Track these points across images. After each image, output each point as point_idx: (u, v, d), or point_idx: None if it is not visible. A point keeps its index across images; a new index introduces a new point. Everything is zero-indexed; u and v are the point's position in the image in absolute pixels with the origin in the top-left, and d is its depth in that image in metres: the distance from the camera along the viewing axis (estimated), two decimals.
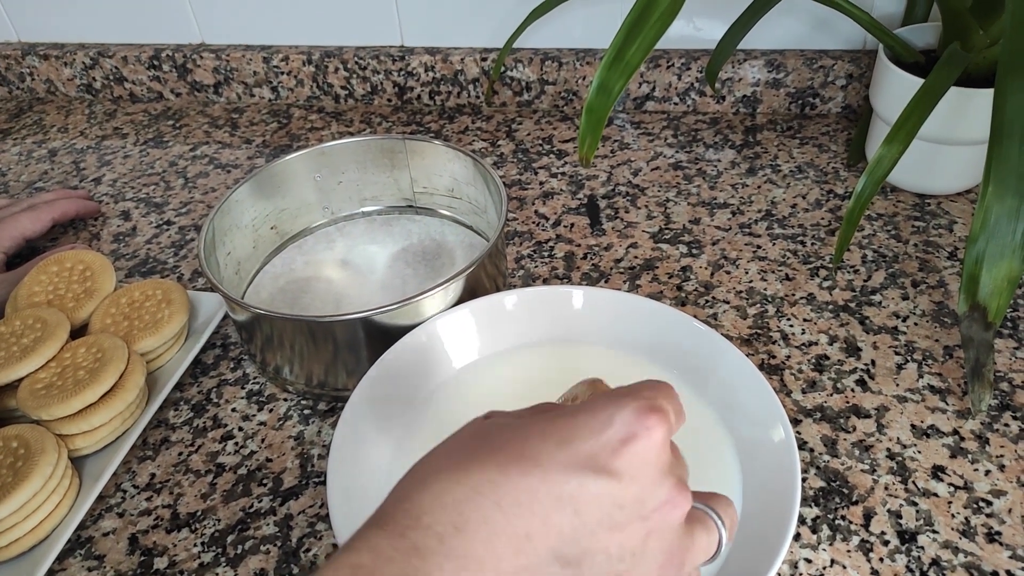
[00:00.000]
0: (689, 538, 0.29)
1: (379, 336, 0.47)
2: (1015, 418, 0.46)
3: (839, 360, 0.50)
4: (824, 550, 0.40)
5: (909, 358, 0.50)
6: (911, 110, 0.47)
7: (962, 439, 0.45)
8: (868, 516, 0.42)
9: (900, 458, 0.44)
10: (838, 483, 0.43)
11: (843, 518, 0.42)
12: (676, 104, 0.76)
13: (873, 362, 0.50)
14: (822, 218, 0.62)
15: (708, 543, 0.30)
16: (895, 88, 0.59)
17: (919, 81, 0.56)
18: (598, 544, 0.26)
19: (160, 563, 0.43)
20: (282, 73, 0.82)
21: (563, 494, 0.26)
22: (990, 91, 0.53)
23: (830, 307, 0.54)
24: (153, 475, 0.47)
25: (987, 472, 0.43)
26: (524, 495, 0.26)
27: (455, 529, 0.25)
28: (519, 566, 0.26)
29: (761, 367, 0.50)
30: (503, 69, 0.77)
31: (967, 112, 0.56)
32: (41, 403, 0.45)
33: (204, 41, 0.84)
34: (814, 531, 0.41)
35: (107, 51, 0.84)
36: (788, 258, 0.58)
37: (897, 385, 0.48)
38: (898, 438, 0.45)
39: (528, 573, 0.26)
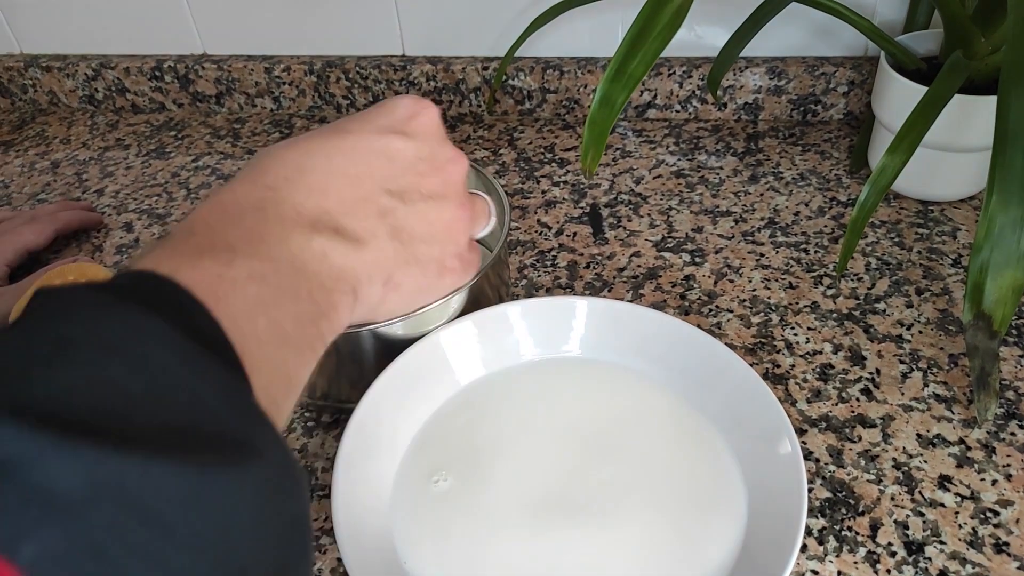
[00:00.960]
0: (473, 199, 0.39)
1: (383, 348, 0.47)
2: (1021, 427, 0.46)
3: (844, 369, 0.50)
4: (831, 561, 0.40)
5: (914, 367, 0.50)
6: (914, 119, 0.47)
7: (968, 448, 0.45)
8: (875, 527, 0.42)
9: (906, 468, 0.44)
10: (844, 493, 0.43)
11: (850, 529, 0.42)
12: (678, 112, 0.76)
13: (878, 371, 0.50)
14: (825, 226, 0.62)
15: (483, 208, 0.41)
16: (897, 95, 0.59)
17: (921, 88, 0.56)
18: (411, 184, 0.35)
19: None
20: (284, 83, 0.82)
21: (376, 148, 0.34)
22: (993, 98, 0.53)
23: (834, 315, 0.54)
24: None
25: (994, 482, 0.43)
26: (347, 149, 0.33)
27: (296, 172, 0.31)
28: (358, 197, 0.32)
29: (765, 376, 0.50)
30: (505, 78, 0.77)
31: (970, 119, 0.55)
32: None
33: (206, 52, 0.84)
34: (820, 542, 0.41)
35: (109, 62, 0.85)
36: (791, 266, 0.58)
37: (902, 394, 0.48)
38: (904, 448, 0.45)
39: (366, 201, 0.33)
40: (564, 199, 0.67)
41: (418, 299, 0.37)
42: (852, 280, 0.56)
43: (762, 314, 0.54)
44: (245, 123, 0.83)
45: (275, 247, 0.28)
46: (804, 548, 0.41)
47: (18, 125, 0.87)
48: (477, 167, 0.56)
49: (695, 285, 0.57)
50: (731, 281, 0.57)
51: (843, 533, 0.41)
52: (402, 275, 0.35)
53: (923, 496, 0.43)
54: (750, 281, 0.57)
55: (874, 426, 0.47)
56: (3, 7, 0.85)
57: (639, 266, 0.59)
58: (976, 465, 0.44)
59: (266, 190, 0.30)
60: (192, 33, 0.83)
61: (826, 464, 0.45)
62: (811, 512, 0.42)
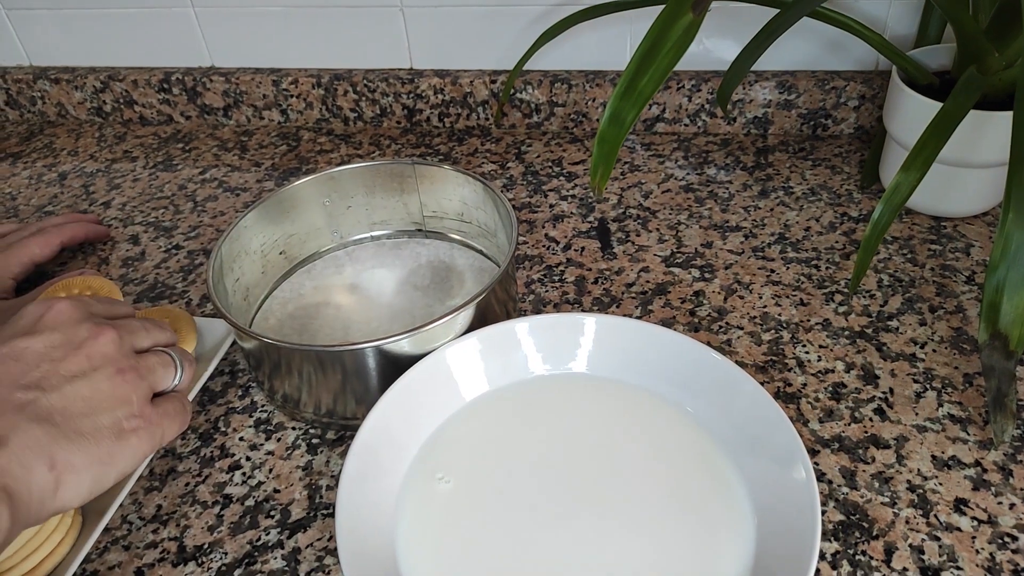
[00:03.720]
0: (139, 358, 0.40)
1: (388, 364, 0.46)
2: None
3: (856, 388, 0.49)
4: None
5: (928, 386, 0.49)
6: (928, 137, 0.47)
7: (985, 471, 0.44)
8: (889, 551, 0.41)
9: (921, 490, 0.43)
10: (857, 516, 0.42)
11: (863, 553, 0.41)
12: (687, 125, 0.76)
13: (891, 390, 0.49)
14: (836, 241, 0.61)
15: (161, 361, 0.42)
16: (909, 110, 0.58)
17: (933, 104, 0.55)
18: (48, 371, 0.36)
19: None
20: (291, 96, 0.82)
21: (2, 355, 0.36)
22: (1007, 114, 0.52)
23: (846, 333, 0.53)
24: (160, 506, 0.47)
25: (1011, 506, 0.42)
26: None
27: None
28: None
29: (777, 395, 0.49)
30: (512, 91, 0.77)
31: (984, 135, 0.55)
32: None
33: (214, 64, 0.84)
34: (834, 567, 0.40)
35: (117, 74, 0.85)
36: (802, 282, 0.57)
37: (916, 414, 0.47)
38: (918, 469, 0.44)
39: (3, 402, 0.34)
40: (572, 213, 0.67)
41: (106, 469, 0.37)
42: (864, 297, 0.56)
43: (773, 331, 0.54)
44: (253, 135, 0.83)
45: None
46: (817, 573, 0.40)
47: (26, 137, 0.87)
48: (484, 181, 0.56)
49: (705, 301, 0.57)
50: (741, 297, 0.57)
51: (857, 558, 0.40)
52: (67, 453, 0.35)
53: (939, 520, 0.42)
54: (760, 298, 0.56)
55: (888, 447, 0.46)
56: (13, 20, 0.85)
57: (648, 281, 0.59)
58: (993, 488, 0.43)
59: None
60: (200, 46, 0.83)
61: (839, 486, 0.44)
62: (824, 536, 0.41)
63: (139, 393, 0.39)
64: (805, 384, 0.50)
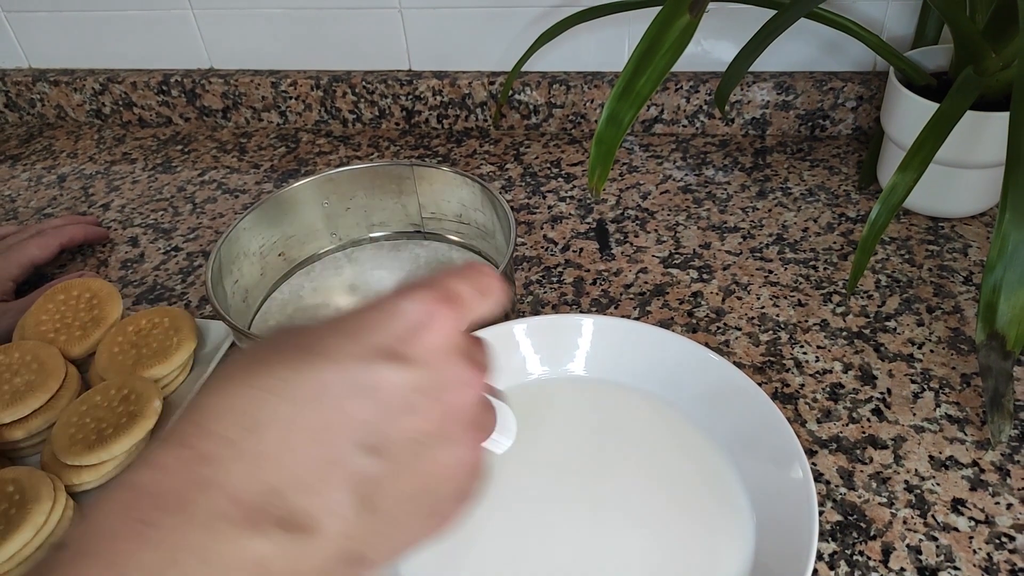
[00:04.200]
0: (484, 414, 0.30)
1: None
2: None
3: (854, 388, 0.49)
4: None
5: (926, 386, 0.49)
6: (925, 137, 0.47)
7: (982, 471, 0.44)
8: (887, 551, 0.41)
9: (919, 491, 0.43)
10: (855, 517, 0.42)
11: (861, 554, 0.41)
12: (685, 126, 0.76)
13: (889, 390, 0.49)
14: (834, 242, 0.61)
15: (487, 420, 0.30)
16: (906, 111, 0.58)
17: (931, 104, 0.56)
18: (400, 429, 0.26)
19: None
20: (290, 98, 0.82)
21: (358, 383, 0.25)
22: (1004, 114, 0.52)
23: (844, 333, 0.53)
24: None
25: (1009, 506, 0.42)
26: (317, 389, 0.25)
27: (245, 431, 0.24)
28: (322, 459, 0.24)
29: (775, 396, 0.49)
30: (511, 92, 0.77)
31: (981, 135, 0.55)
32: (67, 449, 0.45)
33: (213, 66, 0.84)
34: (831, 567, 0.40)
35: (116, 76, 0.85)
36: (800, 283, 0.57)
37: (914, 414, 0.47)
38: (916, 470, 0.44)
39: (332, 466, 0.25)
40: (570, 214, 0.67)
41: (398, 556, 0.28)
42: (862, 297, 0.56)
43: (771, 332, 0.54)
44: (252, 137, 0.83)
45: (195, 569, 0.22)
46: (815, 573, 0.40)
47: (25, 139, 0.87)
48: (482, 182, 0.56)
49: (703, 302, 0.57)
50: (739, 298, 0.57)
51: (854, 558, 0.41)
52: (376, 549, 0.26)
53: (936, 520, 0.42)
54: (758, 298, 0.57)
55: (885, 447, 0.46)
56: (12, 22, 0.86)
57: (646, 282, 0.59)
58: (990, 488, 0.43)
59: (200, 464, 0.23)
60: (199, 48, 0.83)
61: (837, 486, 0.44)
62: (822, 536, 0.42)
63: (471, 476, 0.29)
64: (803, 385, 0.50)
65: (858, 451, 0.46)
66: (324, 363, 0.25)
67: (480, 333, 0.48)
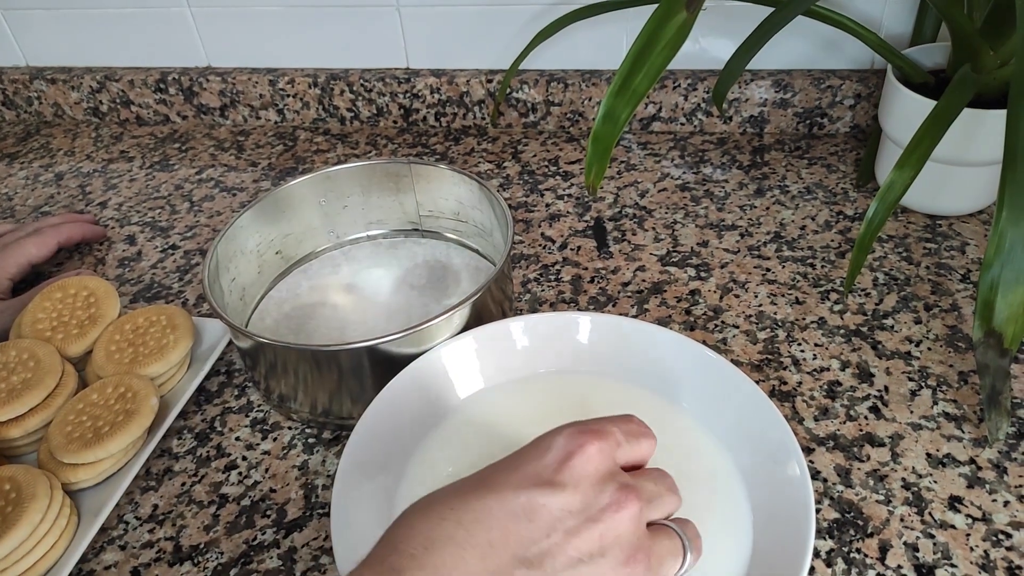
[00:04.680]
0: (651, 540, 0.32)
1: (384, 364, 0.46)
2: None
3: (852, 386, 0.49)
4: None
5: (923, 384, 0.49)
6: (922, 135, 0.47)
7: (979, 468, 0.44)
8: (884, 549, 0.41)
9: (916, 488, 0.43)
10: (852, 514, 0.42)
11: (858, 551, 0.41)
12: (683, 124, 0.76)
13: (886, 388, 0.49)
14: (832, 240, 0.61)
15: (672, 547, 0.33)
16: (904, 109, 0.58)
17: (928, 102, 0.56)
18: (556, 547, 0.30)
19: None
20: (288, 96, 0.82)
21: (516, 507, 0.30)
22: (1001, 112, 0.52)
23: (841, 331, 0.53)
24: (156, 506, 0.47)
25: (1006, 503, 0.42)
26: (482, 513, 0.30)
27: (424, 548, 0.29)
28: (487, 571, 0.29)
29: (772, 394, 0.49)
30: (509, 91, 0.77)
31: (978, 133, 0.55)
32: (64, 447, 0.45)
33: (210, 64, 0.84)
34: (828, 564, 0.40)
35: (114, 74, 0.85)
36: (798, 281, 0.57)
37: (911, 412, 0.47)
38: (913, 467, 0.44)
39: (499, 575, 0.29)
40: (568, 212, 0.67)
41: None
42: (859, 295, 0.56)
43: (768, 330, 0.54)
44: (249, 135, 0.83)
45: None
46: (812, 571, 0.40)
47: (23, 137, 0.87)
48: (480, 180, 0.56)
49: (700, 300, 0.57)
50: (737, 296, 0.57)
51: (851, 555, 0.41)
52: None
53: (933, 517, 0.42)
54: (756, 296, 0.57)
55: (883, 445, 0.46)
56: (9, 20, 0.85)
57: (644, 280, 0.59)
58: (987, 486, 0.43)
59: (390, 574, 0.28)
60: (197, 46, 0.83)
61: (834, 484, 0.44)
62: (819, 533, 0.42)
63: None
64: (800, 382, 0.50)
65: (855, 449, 0.46)
66: (486, 492, 0.31)
67: (480, 330, 0.48)
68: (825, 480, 0.44)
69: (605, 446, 0.32)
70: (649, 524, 0.33)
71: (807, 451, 0.46)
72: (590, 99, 0.76)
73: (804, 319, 0.54)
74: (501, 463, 0.32)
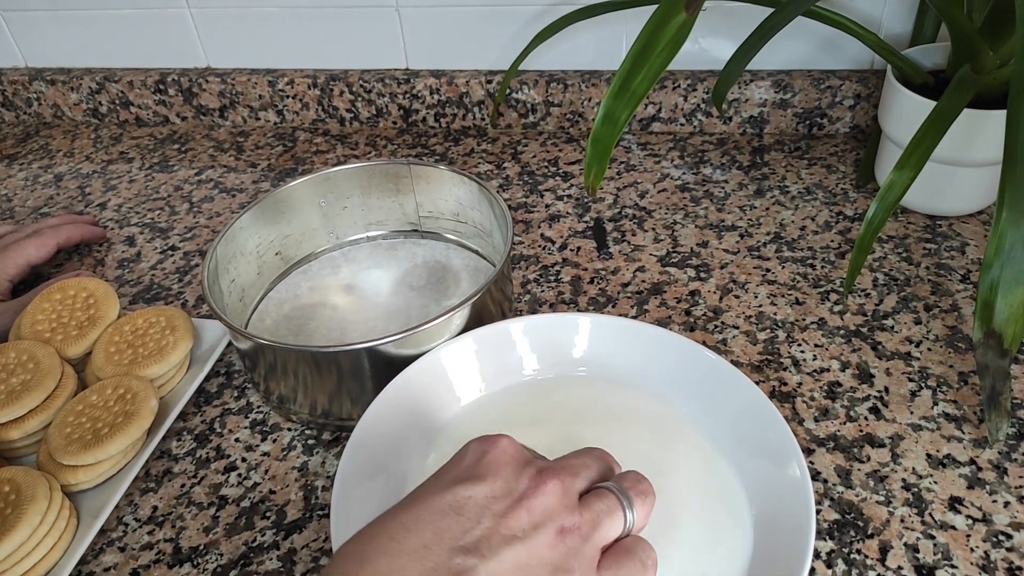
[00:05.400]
0: (583, 507, 0.33)
1: (384, 365, 0.46)
2: None
3: (852, 387, 0.49)
4: None
5: (923, 384, 0.49)
6: (922, 135, 0.47)
7: (979, 469, 0.44)
8: (884, 550, 0.41)
9: (916, 489, 0.43)
10: (853, 515, 0.42)
11: (858, 552, 0.41)
12: (682, 125, 0.76)
13: (887, 389, 0.49)
14: (832, 240, 0.61)
15: (607, 507, 0.34)
16: (904, 109, 0.58)
17: (928, 103, 0.56)
18: (488, 530, 0.31)
19: None
20: (287, 96, 0.82)
21: (443, 506, 0.31)
22: (1001, 112, 0.52)
23: (841, 332, 0.53)
24: (155, 508, 0.47)
25: (1006, 504, 0.42)
26: (411, 522, 0.31)
27: (359, 565, 0.29)
28: (425, 569, 0.29)
29: (772, 394, 0.49)
30: (508, 91, 0.77)
31: (978, 134, 0.55)
32: (63, 448, 0.45)
33: (210, 65, 0.84)
34: (829, 565, 0.40)
35: (113, 76, 0.85)
36: (798, 282, 0.57)
37: (911, 413, 0.47)
38: (913, 468, 0.44)
39: (435, 572, 0.29)
40: (568, 213, 0.67)
41: None
42: (859, 296, 0.56)
43: (768, 330, 0.54)
44: (248, 136, 0.83)
45: None
46: (812, 571, 0.40)
47: (22, 138, 0.87)
48: (479, 181, 0.56)
49: (700, 301, 0.57)
50: (737, 297, 0.57)
51: (852, 556, 0.41)
52: None
53: (933, 518, 0.42)
54: (756, 297, 0.56)
55: (883, 446, 0.46)
56: (8, 21, 0.85)
57: (643, 281, 0.59)
58: (988, 486, 0.43)
59: None
60: (196, 47, 0.83)
61: (834, 485, 0.44)
62: (819, 534, 0.42)
63: (583, 560, 0.32)
64: (800, 383, 0.50)
65: (855, 449, 0.46)
66: (413, 504, 0.32)
67: (479, 331, 0.48)
68: (825, 481, 0.44)
69: (514, 441, 0.35)
70: (586, 493, 0.35)
71: (807, 452, 0.46)
72: (590, 100, 0.76)
73: (804, 320, 0.54)
74: (419, 487, 0.34)
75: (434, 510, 0.31)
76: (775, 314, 0.55)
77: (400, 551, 0.30)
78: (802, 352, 0.52)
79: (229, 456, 0.49)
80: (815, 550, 0.41)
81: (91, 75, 0.85)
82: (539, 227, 0.66)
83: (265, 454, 0.49)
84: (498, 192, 0.55)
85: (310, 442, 0.49)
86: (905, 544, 0.41)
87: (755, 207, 0.65)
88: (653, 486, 0.36)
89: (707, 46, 0.73)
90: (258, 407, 0.52)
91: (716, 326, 0.54)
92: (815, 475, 0.44)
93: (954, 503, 0.43)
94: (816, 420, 0.48)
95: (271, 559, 0.43)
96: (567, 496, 0.33)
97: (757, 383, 0.45)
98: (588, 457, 0.37)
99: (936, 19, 0.65)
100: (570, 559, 0.32)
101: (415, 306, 0.57)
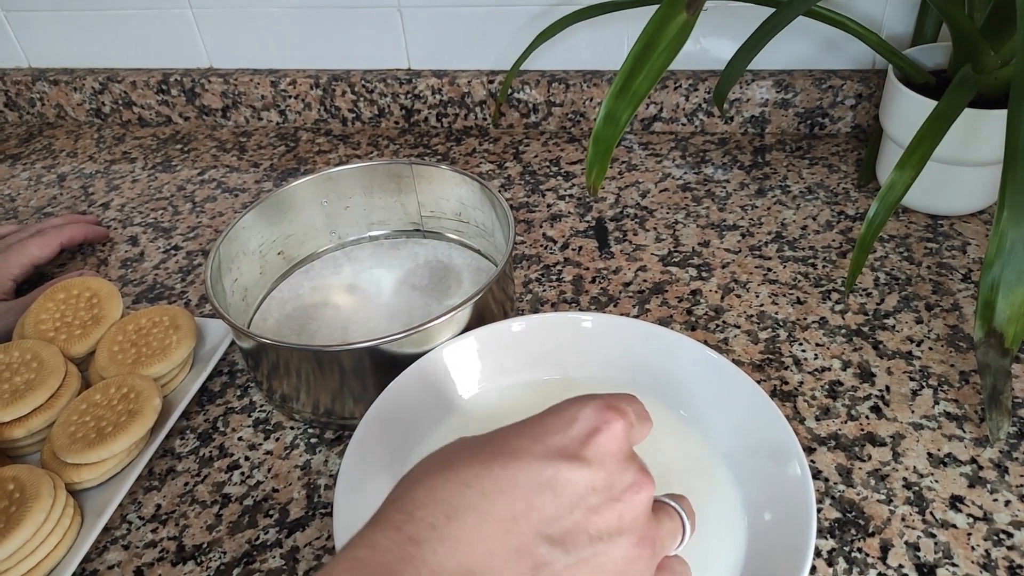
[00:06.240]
0: (657, 522, 0.32)
1: (386, 364, 0.46)
2: None
3: (853, 386, 0.49)
4: None
5: (924, 384, 0.49)
6: (923, 135, 0.47)
7: (980, 468, 0.44)
8: (885, 548, 0.41)
9: (917, 488, 0.43)
10: (854, 514, 0.43)
11: (859, 550, 0.41)
12: (684, 125, 0.76)
13: (888, 388, 0.49)
14: (833, 240, 0.61)
15: (673, 527, 0.33)
16: (905, 109, 0.58)
17: (929, 102, 0.56)
18: (578, 524, 0.29)
19: None
20: (290, 97, 0.82)
21: (542, 480, 0.29)
22: (1002, 112, 0.52)
23: (843, 331, 0.53)
24: (159, 506, 0.47)
25: (1007, 503, 0.42)
26: (507, 484, 0.29)
27: (446, 518, 0.28)
28: (509, 546, 0.28)
29: (773, 394, 0.49)
30: (510, 91, 0.77)
31: (979, 133, 0.55)
32: (67, 447, 0.45)
33: (212, 65, 0.84)
34: (830, 564, 0.40)
35: (116, 76, 0.85)
36: (799, 281, 0.58)
37: (912, 412, 0.48)
38: (914, 467, 0.45)
39: (518, 553, 0.28)
40: (570, 213, 0.67)
41: None
42: (861, 295, 0.56)
43: (769, 330, 0.54)
44: (251, 136, 0.83)
45: None
46: (813, 570, 0.40)
47: (25, 138, 0.87)
48: (481, 181, 0.56)
49: (702, 300, 0.57)
50: (738, 296, 0.57)
51: (853, 555, 0.41)
52: None
53: (934, 517, 0.42)
54: (757, 296, 0.57)
55: (884, 444, 0.46)
56: (12, 22, 0.86)
57: (645, 281, 0.59)
58: (989, 485, 0.43)
59: (408, 544, 0.27)
60: (199, 47, 0.83)
61: (835, 483, 0.44)
62: (820, 533, 0.42)
63: (644, 573, 0.32)
64: (801, 382, 0.50)
65: (857, 448, 0.46)
66: (511, 460, 0.29)
67: (481, 331, 0.48)
68: (826, 480, 0.44)
69: (627, 425, 0.32)
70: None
71: (808, 451, 0.46)
72: (591, 100, 0.76)
73: (805, 319, 0.54)
74: (520, 428, 0.31)
75: (532, 480, 0.29)
76: (776, 313, 0.55)
77: (490, 515, 0.28)
78: (803, 351, 0.52)
79: (232, 455, 0.49)
80: (816, 548, 0.41)
81: (94, 75, 0.86)
82: (541, 227, 0.66)
83: (268, 453, 0.49)
84: (500, 192, 0.55)
85: (313, 441, 0.50)
86: (906, 543, 0.41)
87: (756, 207, 0.65)
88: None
89: (708, 46, 0.73)
90: (261, 406, 0.52)
91: (717, 325, 0.54)
92: (816, 474, 0.45)
93: (955, 502, 0.43)
94: (817, 419, 0.48)
95: (274, 557, 0.43)
96: (650, 508, 0.32)
97: (758, 382, 0.45)
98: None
99: (937, 19, 0.65)
100: (642, 570, 0.31)
101: (417, 305, 0.57)
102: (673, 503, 0.34)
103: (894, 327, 0.53)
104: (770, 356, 0.52)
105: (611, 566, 0.30)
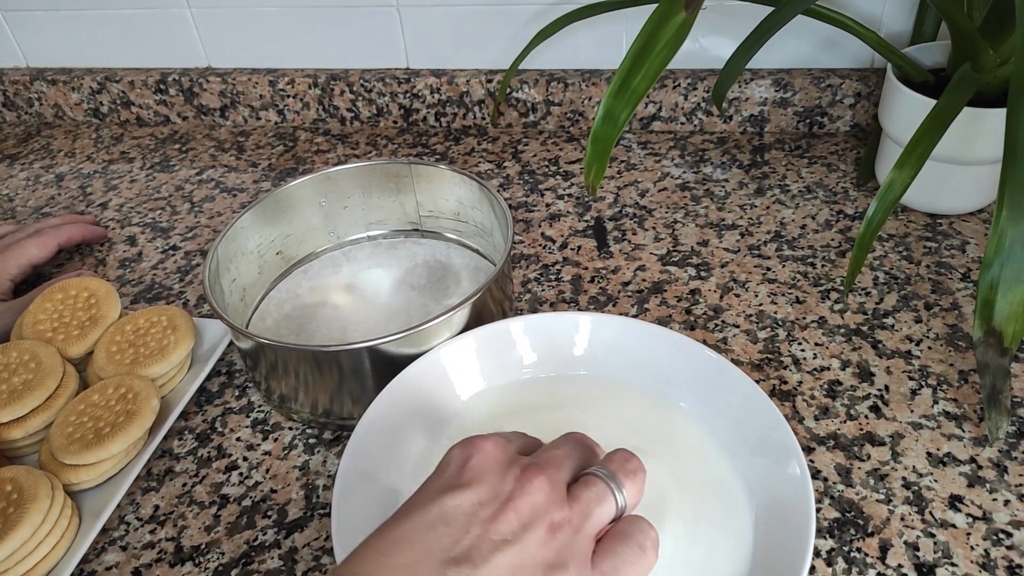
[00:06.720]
0: (573, 499, 0.33)
1: (385, 364, 0.46)
2: None
3: (852, 385, 0.49)
4: None
5: (923, 383, 0.49)
6: (922, 134, 0.47)
7: (979, 467, 0.44)
8: (884, 548, 0.41)
9: (916, 487, 0.43)
10: (853, 514, 0.42)
11: (859, 550, 0.41)
12: (683, 124, 0.76)
13: (887, 387, 0.49)
14: (832, 239, 0.61)
15: (597, 494, 0.34)
16: (904, 108, 0.58)
17: (928, 101, 0.56)
18: (479, 537, 0.31)
19: None
20: (288, 96, 0.82)
21: (431, 519, 0.31)
22: (1001, 111, 0.52)
23: (842, 331, 0.53)
24: (157, 507, 0.47)
25: (1006, 502, 0.42)
26: (399, 537, 0.31)
27: None
28: None
29: (772, 393, 0.49)
30: (509, 90, 0.77)
31: (978, 132, 0.55)
32: (65, 448, 0.45)
33: (210, 65, 0.84)
34: (829, 564, 0.40)
35: (114, 75, 0.85)
36: (798, 280, 0.57)
37: (912, 411, 0.48)
38: (914, 466, 0.44)
39: None
40: (568, 212, 0.67)
41: None
42: (860, 295, 0.56)
43: (769, 329, 0.54)
44: (249, 136, 0.83)
45: None
46: (813, 570, 0.40)
47: (23, 138, 0.87)
48: (480, 180, 0.56)
49: (701, 300, 0.57)
50: (737, 296, 0.57)
51: (852, 554, 0.41)
52: None
53: (934, 517, 0.42)
54: (756, 295, 0.57)
55: (883, 444, 0.46)
56: (9, 21, 0.85)
57: (644, 280, 0.59)
58: (988, 485, 0.43)
59: None
60: (197, 46, 0.83)
61: (834, 483, 0.44)
62: (819, 533, 0.42)
63: (577, 553, 0.32)
64: (801, 382, 0.50)
65: (856, 448, 0.46)
66: (402, 518, 0.32)
67: (480, 330, 0.48)
68: (825, 479, 0.44)
69: (498, 441, 0.34)
70: (573, 482, 0.34)
71: (807, 450, 0.46)
72: (590, 99, 0.76)
73: (804, 318, 0.54)
74: (413, 495, 0.33)
75: (422, 523, 0.31)
76: (775, 313, 0.55)
77: (390, 567, 0.29)
78: (802, 351, 0.52)
79: (230, 455, 0.49)
80: (815, 548, 0.41)
81: (92, 75, 0.85)
82: (539, 226, 0.66)
83: (266, 453, 0.49)
84: (498, 191, 0.55)
85: (311, 441, 0.50)
86: (905, 542, 0.41)
87: (755, 206, 0.65)
88: (650, 482, 0.36)
89: (707, 45, 0.73)
90: (259, 406, 0.52)
91: (716, 325, 0.54)
92: (815, 473, 0.44)
93: (954, 501, 0.43)
94: (816, 419, 0.48)
95: (272, 558, 0.43)
96: (554, 490, 0.33)
97: (757, 382, 0.45)
98: (567, 445, 0.36)
99: (936, 18, 0.65)
100: (563, 554, 0.31)
101: (416, 305, 0.57)
102: (595, 470, 0.35)
103: (893, 326, 0.53)
104: (769, 356, 0.52)
105: (531, 560, 0.31)
